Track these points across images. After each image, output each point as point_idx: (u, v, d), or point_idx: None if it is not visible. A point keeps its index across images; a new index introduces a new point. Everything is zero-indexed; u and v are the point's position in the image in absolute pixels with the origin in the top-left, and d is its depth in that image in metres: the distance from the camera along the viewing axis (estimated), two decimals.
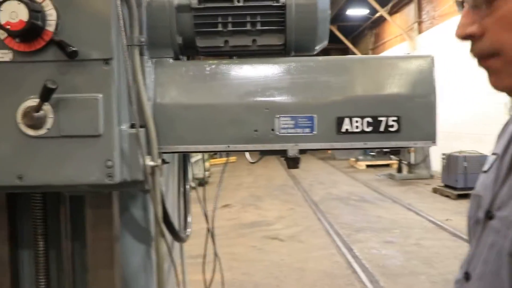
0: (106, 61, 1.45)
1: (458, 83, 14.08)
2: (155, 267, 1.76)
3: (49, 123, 1.44)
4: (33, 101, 1.41)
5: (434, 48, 15.49)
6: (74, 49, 1.39)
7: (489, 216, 1.07)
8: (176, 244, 2.42)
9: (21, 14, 1.32)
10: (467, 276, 1.10)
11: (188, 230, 2.44)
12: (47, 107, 1.42)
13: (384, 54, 20.44)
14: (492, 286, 1.01)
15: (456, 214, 9.29)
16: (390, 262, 6.64)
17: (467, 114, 13.65)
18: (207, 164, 13.89)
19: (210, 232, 2.53)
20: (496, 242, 1.02)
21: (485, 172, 1.22)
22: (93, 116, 1.45)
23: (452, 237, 7.76)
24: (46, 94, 1.37)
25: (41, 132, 1.44)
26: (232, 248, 7.37)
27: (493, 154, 1.23)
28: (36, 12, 1.35)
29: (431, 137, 1.69)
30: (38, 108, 1.40)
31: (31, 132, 1.43)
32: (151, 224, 1.93)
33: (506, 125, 1.29)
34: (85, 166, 1.47)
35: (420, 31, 18.13)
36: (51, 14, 1.40)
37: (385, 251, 7.19)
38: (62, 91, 1.42)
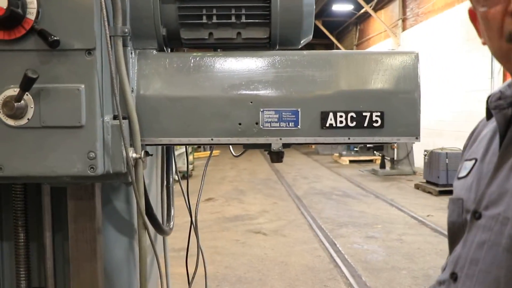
0: (89, 51, 1.43)
1: (440, 80, 14.20)
2: (138, 260, 1.75)
3: (30, 113, 1.42)
4: (13, 91, 1.39)
5: (418, 46, 15.59)
6: (55, 38, 1.37)
7: (476, 216, 1.08)
8: (159, 237, 2.41)
9: (0, 1, 1.29)
10: (454, 277, 1.10)
11: (171, 223, 2.43)
12: (28, 97, 1.40)
13: (368, 50, 20.55)
14: (484, 284, 1.01)
15: (438, 210, 9.38)
16: (372, 257, 6.68)
17: (449, 111, 13.78)
18: (191, 157, 13.86)
19: (194, 226, 2.52)
20: (486, 240, 1.02)
21: (463, 177, 1.22)
22: (75, 106, 1.43)
23: (434, 233, 7.83)
24: (27, 84, 1.35)
25: (22, 122, 1.41)
26: (215, 241, 7.36)
27: (469, 160, 1.24)
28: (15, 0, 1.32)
29: (415, 133, 1.70)
30: (18, 98, 1.38)
31: (11, 122, 1.41)
32: (134, 217, 1.91)
33: (474, 132, 1.31)
34: (67, 157, 1.45)
35: (404, 28, 18.24)
36: (32, 2, 1.37)
37: (368, 246, 7.24)
38: (44, 81, 1.40)
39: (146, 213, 1.70)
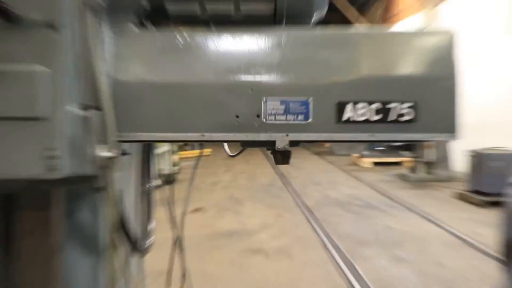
0: (53, 26, 1.45)
1: (485, 62, 14.13)
2: (106, 286, 1.76)
3: None
4: None
5: (457, 23, 15.52)
6: (13, 11, 1.38)
7: None
8: (135, 257, 2.43)
9: None
10: None
11: (150, 239, 2.45)
12: None
13: (396, 26, 20.50)
14: None
15: (486, 225, 9.38)
16: (403, 286, 6.70)
17: (495, 101, 13.71)
18: (175, 157, 13.87)
19: (178, 243, 2.54)
20: None
21: None
22: (31, 93, 1.44)
23: (481, 255, 7.83)
24: None
25: None
26: (204, 264, 7.38)
27: None
28: None
29: (452, 129, 1.72)
30: None
31: None
32: (103, 232, 1.93)
33: None
34: (20, 156, 1.46)
35: None
36: None
37: (397, 271, 7.25)
38: None
39: (119, 226, 1.72)
